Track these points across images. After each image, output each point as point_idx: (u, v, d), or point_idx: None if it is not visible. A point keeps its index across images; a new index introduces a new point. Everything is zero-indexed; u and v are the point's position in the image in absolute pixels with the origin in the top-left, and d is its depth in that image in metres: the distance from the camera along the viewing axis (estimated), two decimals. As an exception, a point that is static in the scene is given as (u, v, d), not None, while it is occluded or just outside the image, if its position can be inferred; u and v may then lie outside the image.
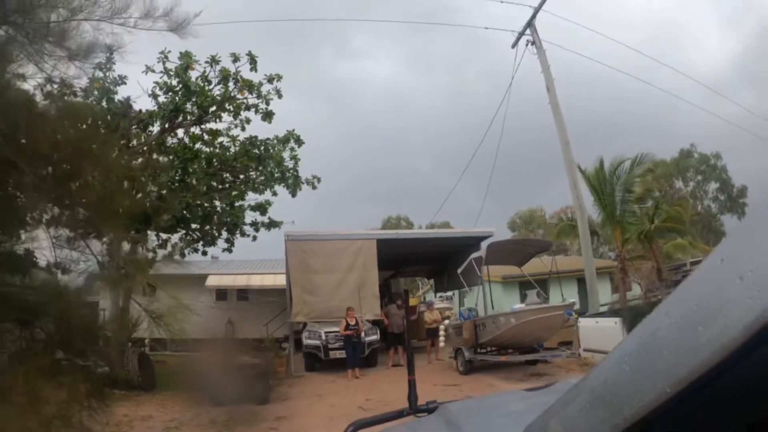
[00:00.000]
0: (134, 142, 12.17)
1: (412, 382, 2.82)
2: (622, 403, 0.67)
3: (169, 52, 11.65)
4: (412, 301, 23.47)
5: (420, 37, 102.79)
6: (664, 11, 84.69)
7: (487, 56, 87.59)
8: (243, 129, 13.40)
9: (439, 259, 19.59)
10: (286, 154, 14.39)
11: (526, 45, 17.13)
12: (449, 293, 21.21)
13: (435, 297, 22.89)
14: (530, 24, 17.12)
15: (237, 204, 14.10)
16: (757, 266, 0.52)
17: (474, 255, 13.79)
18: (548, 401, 1.03)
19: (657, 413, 0.62)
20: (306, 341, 14.97)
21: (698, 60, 76.48)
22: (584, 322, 8.48)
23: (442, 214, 70.46)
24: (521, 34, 17.32)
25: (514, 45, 17.83)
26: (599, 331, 7.70)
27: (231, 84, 12.27)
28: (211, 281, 21.42)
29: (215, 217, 14.16)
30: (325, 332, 14.58)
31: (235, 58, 11.79)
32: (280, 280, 19.22)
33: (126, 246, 5.46)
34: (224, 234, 14.82)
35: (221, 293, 22.15)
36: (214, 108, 12.13)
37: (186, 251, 14.33)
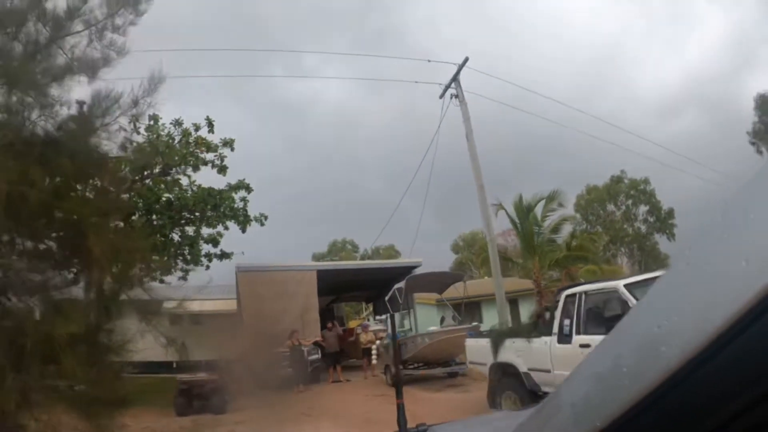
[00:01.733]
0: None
1: (401, 406, 3.47)
2: (595, 416, 0.70)
3: (140, 114, 14.22)
4: (353, 323, 26.33)
5: (369, 58, 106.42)
6: (607, 35, 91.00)
7: (435, 77, 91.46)
8: (197, 169, 16.10)
9: (375, 286, 22.37)
10: (237, 196, 17.09)
11: (450, 98, 20.15)
12: (383, 316, 23.96)
13: (374, 320, 25.71)
14: (455, 79, 20.13)
15: (195, 244, 16.58)
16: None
17: (397, 285, 16.73)
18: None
19: (621, 425, 0.65)
20: (256, 361, 17.51)
21: (643, 78, 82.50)
22: (469, 341, 11.27)
23: (390, 235, 73.36)
24: (447, 87, 20.30)
25: (441, 96, 20.75)
26: (478, 348, 10.52)
27: (192, 141, 14.99)
28: (165, 306, 23.56)
29: (172, 249, 16.57)
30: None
31: (197, 128, 14.63)
32: (230, 305, 21.51)
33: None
34: (179, 264, 17.22)
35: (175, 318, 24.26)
36: (177, 160, 14.78)
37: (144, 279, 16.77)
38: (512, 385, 8.82)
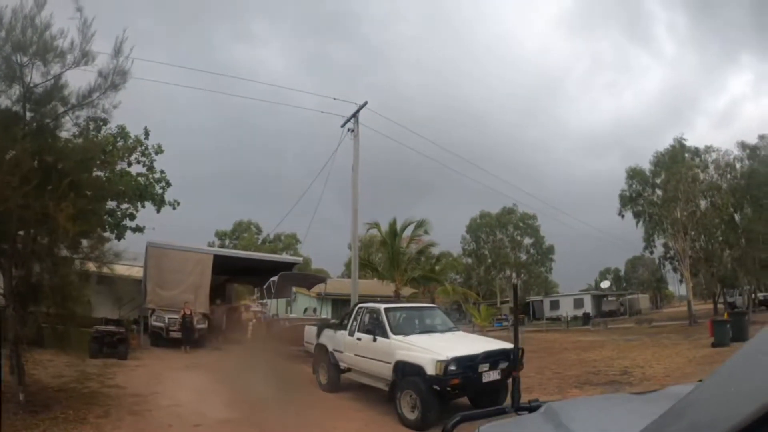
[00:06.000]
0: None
1: (516, 379, 3.81)
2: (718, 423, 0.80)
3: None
4: (244, 302, 31.44)
5: (319, 42, 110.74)
6: (550, 66, 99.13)
7: (377, 73, 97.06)
8: (129, 165, 20.93)
9: (261, 274, 27.00)
10: (158, 185, 22.00)
11: (348, 131, 25.19)
12: (265, 300, 28.75)
13: (259, 302, 30.72)
14: (354, 116, 25.19)
15: (121, 223, 21.27)
16: None
17: (272, 278, 21.96)
18: (653, 406, 1.22)
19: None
20: (153, 323, 22.02)
21: (576, 114, 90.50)
22: (307, 328, 16.30)
23: (294, 223, 78.05)
24: (346, 122, 25.27)
25: (343, 125, 25.78)
26: (310, 333, 15.54)
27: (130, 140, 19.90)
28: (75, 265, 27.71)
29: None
30: (168, 317, 21.65)
31: (137, 139, 19.55)
32: (133, 272, 25.32)
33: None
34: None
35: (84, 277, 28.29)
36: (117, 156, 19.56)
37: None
38: (325, 360, 13.72)
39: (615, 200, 43.33)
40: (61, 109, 10.80)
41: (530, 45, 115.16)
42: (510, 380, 10.62)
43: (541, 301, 53.16)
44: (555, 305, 51.55)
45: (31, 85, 10.28)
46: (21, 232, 10.08)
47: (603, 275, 76.88)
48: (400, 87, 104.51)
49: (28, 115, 10.53)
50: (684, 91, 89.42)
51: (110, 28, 11.28)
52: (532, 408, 2.39)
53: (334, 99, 25.18)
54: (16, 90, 10.29)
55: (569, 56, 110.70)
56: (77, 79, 10.78)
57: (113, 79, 10.89)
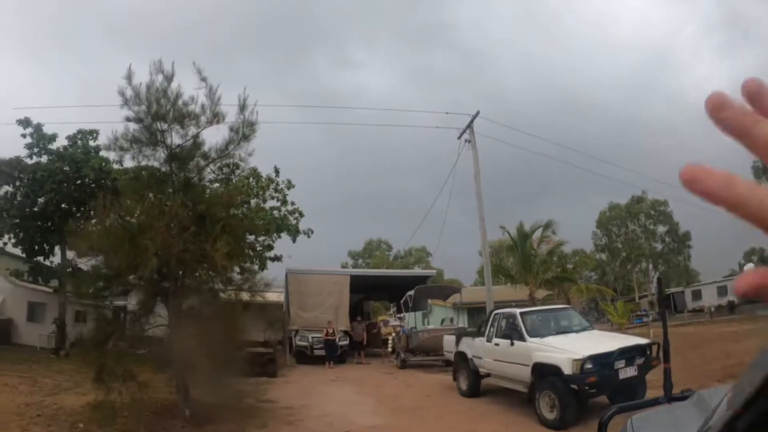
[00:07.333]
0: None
1: (667, 371, 3.91)
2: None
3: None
4: (381, 318, 32.47)
5: (418, 55, 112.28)
6: (655, 40, 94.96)
7: (480, 77, 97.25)
8: (264, 201, 22.44)
9: (396, 289, 27.92)
10: (292, 217, 23.42)
11: (465, 142, 25.60)
12: (402, 314, 29.71)
13: (395, 317, 31.66)
14: (469, 126, 25.60)
15: (263, 255, 22.80)
16: None
17: (409, 292, 22.68)
18: None
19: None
20: (298, 342, 23.39)
21: (692, 84, 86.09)
22: (446, 337, 16.78)
23: (423, 236, 79.07)
24: (462, 133, 25.74)
25: (459, 137, 26.27)
26: (449, 342, 16.06)
27: (263, 183, 21.38)
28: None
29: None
30: (312, 336, 22.89)
31: (269, 178, 20.98)
32: (276, 298, 27.24)
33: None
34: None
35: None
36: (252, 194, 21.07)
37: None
38: (465, 367, 14.11)
39: (748, 172, 40.74)
40: (202, 164, 12.05)
41: (628, 22, 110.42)
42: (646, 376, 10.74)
43: (682, 292, 50.49)
44: (697, 295, 48.78)
45: (173, 146, 11.60)
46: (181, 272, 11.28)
47: (747, 257, 71.97)
48: (504, 90, 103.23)
49: (175, 172, 11.85)
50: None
51: (227, 77, 12.51)
52: (684, 398, 2.36)
53: (447, 113, 25.88)
54: (160, 153, 11.71)
55: (672, 24, 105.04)
56: (212, 135, 12.14)
57: (243, 132, 12.03)
